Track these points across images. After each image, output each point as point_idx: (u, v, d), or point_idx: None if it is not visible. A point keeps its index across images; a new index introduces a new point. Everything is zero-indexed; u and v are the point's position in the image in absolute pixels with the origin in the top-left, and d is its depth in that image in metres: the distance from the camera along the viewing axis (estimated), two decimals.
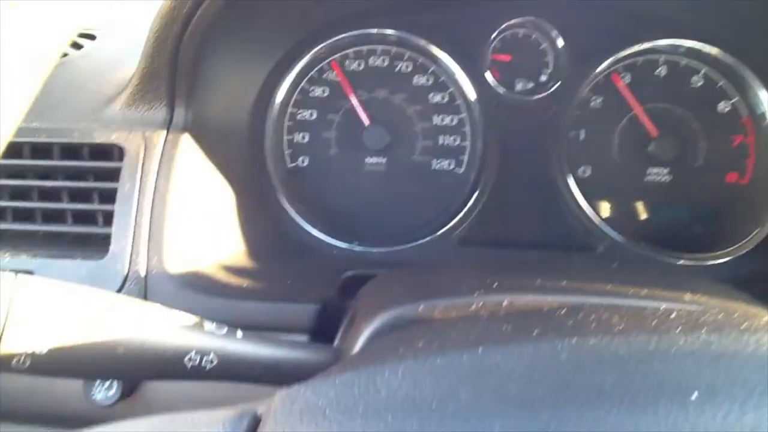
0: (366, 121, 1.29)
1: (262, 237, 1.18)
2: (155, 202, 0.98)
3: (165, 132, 1.04)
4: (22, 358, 0.61)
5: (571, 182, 1.27)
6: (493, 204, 1.26)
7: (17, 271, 0.62)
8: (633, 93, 1.28)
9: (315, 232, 1.26)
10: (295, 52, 1.27)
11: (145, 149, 1.02)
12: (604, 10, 1.27)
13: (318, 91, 1.30)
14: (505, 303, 0.69)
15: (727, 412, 0.36)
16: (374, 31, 1.28)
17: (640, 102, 1.28)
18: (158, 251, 0.96)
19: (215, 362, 0.68)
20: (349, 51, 1.30)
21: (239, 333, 0.71)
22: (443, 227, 1.26)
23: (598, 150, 1.29)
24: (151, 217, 0.97)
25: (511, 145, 1.28)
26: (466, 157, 1.30)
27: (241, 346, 0.70)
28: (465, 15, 1.28)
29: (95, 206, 1.02)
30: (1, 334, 0.59)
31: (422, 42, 1.28)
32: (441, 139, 1.30)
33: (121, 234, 0.97)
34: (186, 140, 1.04)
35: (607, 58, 1.28)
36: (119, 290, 0.95)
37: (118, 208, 0.99)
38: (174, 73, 1.03)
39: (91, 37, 1.31)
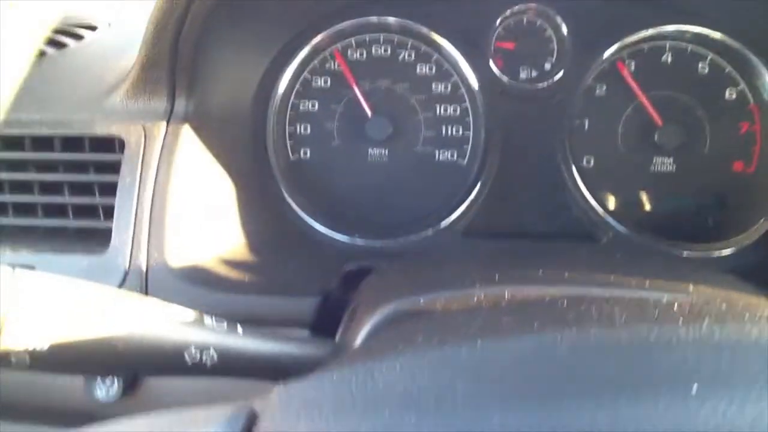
0: (368, 111, 1.28)
1: (264, 229, 1.17)
2: (156, 195, 0.98)
3: (165, 123, 1.03)
4: (23, 354, 0.61)
5: (575, 172, 1.26)
6: (497, 195, 1.26)
7: (16, 266, 0.62)
8: (638, 81, 1.26)
9: (317, 225, 1.25)
10: (296, 41, 1.26)
11: (146, 141, 1.01)
12: None
13: (320, 82, 1.29)
14: (506, 295, 0.68)
15: (728, 403, 0.36)
16: (376, 19, 1.27)
17: (645, 90, 1.26)
18: (159, 245, 0.96)
19: (215, 358, 0.68)
20: (351, 40, 1.29)
21: (239, 328, 0.71)
22: (446, 219, 1.25)
23: (603, 139, 1.28)
24: (151, 211, 0.97)
25: (514, 134, 1.27)
26: (469, 148, 1.29)
27: (241, 341, 0.70)
28: (468, 2, 1.27)
29: (96, 200, 1.02)
30: (1, 331, 0.59)
31: (425, 30, 1.27)
32: (444, 130, 1.29)
33: (121, 228, 0.97)
34: (187, 132, 1.04)
35: (612, 45, 1.26)
36: (120, 284, 0.95)
37: (118, 201, 0.99)
38: (174, 63, 1.02)
39: (92, 28, 1.30)
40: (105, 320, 0.64)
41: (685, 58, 1.27)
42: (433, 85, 1.29)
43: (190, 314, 0.69)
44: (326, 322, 0.88)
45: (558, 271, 0.75)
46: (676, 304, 0.57)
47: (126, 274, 0.96)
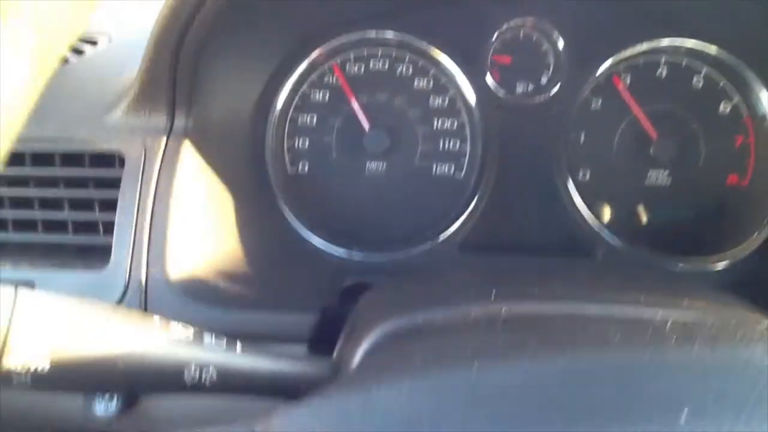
0: (366, 125, 1.28)
1: (262, 243, 1.18)
2: (155, 211, 0.99)
3: (165, 139, 1.04)
4: (24, 374, 0.61)
5: (571, 186, 1.27)
6: (494, 208, 1.27)
7: (17, 285, 0.63)
8: (633, 94, 1.28)
9: (314, 238, 1.26)
10: (295, 55, 1.27)
11: (146, 156, 1.02)
12: (605, 10, 1.27)
13: (318, 95, 1.30)
14: (502, 313, 0.69)
15: (717, 429, 0.36)
16: (374, 33, 1.28)
17: (641, 104, 1.27)
18: (158, 260, 0.96)
19: (214, 376, 0.69)
20: (350, 54, 1.30)
21: (238, 346, 0.71)
22: (443, 233, 1.26)
23: (599, 152, 1.29)
24: (151, 227, 0.98)
25: (511, 148, 1.28)
26: (466, 161, 1.30)
27: (240, 359, 0.71)
28: (465, 16, 1.28)
29: (96, 215, 1.03)
30: (2, 350, 0.60)
31: (422, 44, 1.28)
32: (441, 143, 1.30)
33: (121, 244, 0.98)
34: (186, 147, 1.05)
35: (608, 59, 1.27)
36: (120, 300, 0.96)
37: (118, 217, 0.99)
38: (174, 79, 1.03)
39: (92, 43, 1.31)
40: (105, 339, 0.65)
41: (680, 72, 1.28)
42: (431, 99, 1.30)
43: (190, 332, 0.70)
44: (324, 338, 0.89)
45: (553, 289, 0.76)
46: (668, 324, 0.58)
47: (126, 289, 0.96)
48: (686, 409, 0.39)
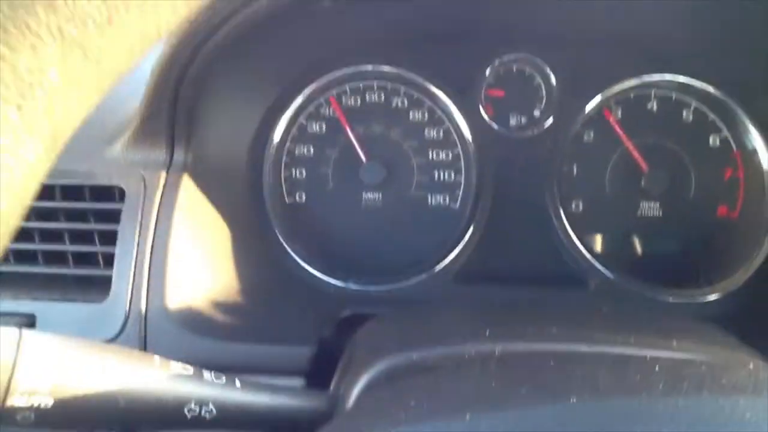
0: (363, 156, 1.31)
1: (260, 275, 1.20)
2: (155, 244, 1.00)
3: (165, 173, 1.06)
4: (28, 411, 0.63)
5: (564, 217, 1.29)
6: (488, 239, 1.29)
7: (20, 321, 0.64)
8: (624, 128, 1.30)
9: (311, 269, 1.28)
10: (292, 89, 1.30)
11: (145, 190, 1.04)
12: (595, 47, 1.30)
13: (315, 127, 1.33)
14: (496, 354, 0.71)
15: None
16: (369, 67, 1.31)
17: (632, 136, 1.30)
18: (158, 293, 0.98)
19: (214, 412, 0.70)
20: (346, 87, 1.32)
21: (237, 382, 0.73)
22: (439, 263, 1.28)
23: (591, 184, 1.31)
24: (151, 259, 0.99)
25: (505, 179, 1.30)
26: (461, 192, 1.32)
27: (239, 395, 0.72)
28: (459, 51, 1.31)
29: (96, 248, 1.04)
30: (7, 390, 0.61)
31: (417, 78, 1.31)
32: (437, 174, 1.32)
33: (121, 276, 0.99)
34: (185, 181, 1.07)
35: (599, 93, 1.30)
36: (119, 332, 0.97)
37: (118, 249, 1.01)
38: (173, 116, 1.05)
39: None
40: (107, 378, 0.66)
41: (670, 105, 1.31)
42: (426, 131, 1.32)
43: (189, 369, 0.71)
44: (321, 371, 0.91)
45: (546, 327, 0.77)
46: (657, 365, 0.60)
47: (125, 321, 0.98)
48: None
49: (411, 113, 1.33)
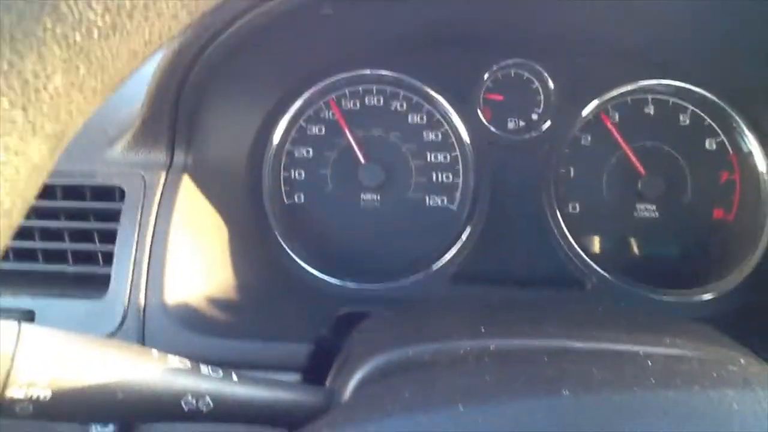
0: (362, 158, 1.32)
1: (259, 275, 1.20)
2: (154, 243, 1.01)
3: (165, 174, 1.07)
4: (26, 402, 0.63)
5: (561, 219, 1.30)
6: (485, 240, 1.29)
7: (19, 316, 0.65)
8: (621, 132, 1.32)
9: (309, 268, 1.29)
10: (292, 93, 1.31)
11: (145, 191, 1.05)
12: (593, 53, 1.31)
13: (315, 130, 1.34)
14: (491, 348, 0.71)
15: None
16: (369, 71, 1.32)
17: (629, 140, 1.31)
18: (156, 291, 0.99)
19: (211, 405, 0.71)
20: (345, 90, 1.34)
21: (234, 376, 0.73)
22: (436, 264, 1.29)
23: (588, 187, 1.32)
24: (149, 258, 1.00)
25: (502, 182, 1.31)
26: (458, 194, 1.33)
27: (236, 388, 0.72)
28: (458, 56, 1.32)
29: (96, 246, 1.05)
30: (6, 382, 0.62)
31: (416, 82, 1.32)
32: (435, 176, 1.33)
33: (120, 274, 1.00)
34: (185, 182, 1.07)
35: (597, 98, 1.31)
36: (117, 329, 0.97)
37: (118, 248, 1.02)
38: (175, 118, 1.06)
39: None
40: (105, 370, 0.67)
41: (667, 110, 1.32)
42: (424, 134, 1.34)
43: (187, 363, 0.72)
44: (318, 367, 0.91)
45: (542, 324, 0.78)
46: (650, 361, 0.61)
47: (123, 318, 0.98)
48: None
49: (410, 116, 1.34)
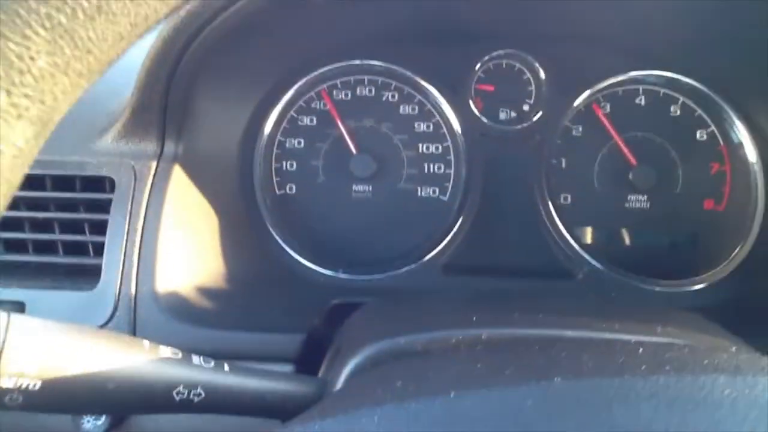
0: (353, 149, 1.31)
1: (250, 266, 1.20)
2: (145, 234, 1.01)
3: (155, 164, 1.06)
4: (15, 394, 0.63)
5: (552, 210, 1.30)
6: (477, 231, 1.30)
7: (9, 308, 0.65)
8: (613, 122, 1.32)
9: (302, 260, 1.28)
10: (283, 83, 1.30)
11: (135, 181, 1.04)
12: (584, 43, 1.31)
13: (306, 120, 1.33)
14: (483, 337, 0.72)
15: None
16: (360, 62, 1.32)
17: (620, 131, 1.31)
18: (147, 282, 0.98)
19: (203, 395, 0.70)
20: (337, 81, 1.33)
21: (226, 366, 0.73)
22: (428, 254, 1.29)
23: (579, 178, 1.32)
24: (140, 249, 1.00)
25: (494, 172, 1.31)
26: (450, 185, 1.33)
27: (227, 379, 0.72)
28: (449, 47, 1.32)
29: (86, 237, 1.05)
30: None
31: (407, 73, 1.32)
32: (426, 167, 1.33)
33: (111, 265, 1.00)
34: (176, 172, 1.07)
35: (588, 88, 1.32)
36: (109, 320, 0.97)
37: (108, 239, 1.01)
38: (165, 108, 1.05)
39: None
40: (96, 361, 0.67)
41: (658, 100, 1.32)
42: (416, 125, 1.33)
43: (178, 354, 0.72)
44: (311, 358, 0.91)
45: (533, 313, 0.78)
46: (641, 349, 0.61)
47: (114, 309, 0.98)
48: None
49: (401, 107, 1.34)
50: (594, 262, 1.27)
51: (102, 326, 0.97)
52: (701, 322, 0.84)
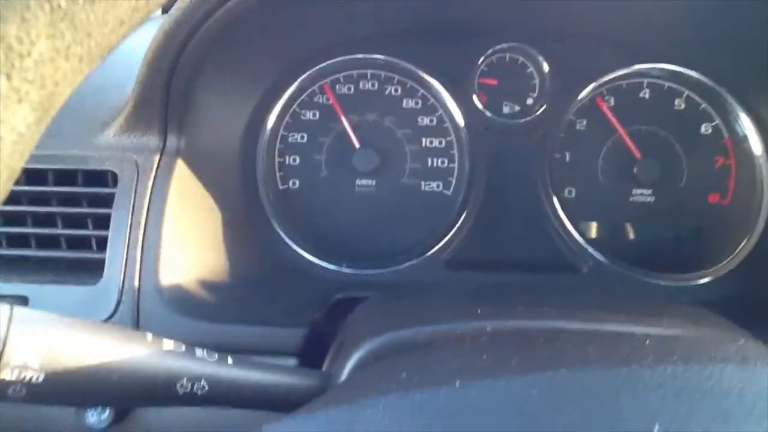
0: (356, 143, 1.31)
1: (253, 259, 1.20)
2: (148, 228, 1.00)
3: (158, 158, 1.06)
4: (18, 387, 0.63)
5: (557, 204, 1.29)
6: (481, 225, 1.29)
7: (12, 302, 0.64)
8: (617, 116, 1.31)
9: (305, 254, 1.28)
10: (286, 77, 1.30)
11: (138, 175, 1.04)
12: (588, 37, 1.30)
13: (309, 115, 1.33)
14: (488, 329, 0.71)
15: None
16: (363, 56, 1.31)
17: (624, 124, 1.31)
18: (150, 276, 0.98)
19: (206, 388, 0.70)
20: (340, 75, 1.33)
21: (229, 359, 0.73)
22: (431, 249, 1.28)
23: (583, 172, 1.32)
24: (143, 243, 0.99)
25: (498, 167, 1.31)
26: (454, 179, 1.32)
27: (231, 372, 0.72)
28: (452, 40, 1.31)
29: (89, 232, 1.04)
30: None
31: (411, 67, 1.31)
32: (429, 161, 1.33)
33: (114, 259, 0.99)
34: (178, 166, 1.06)
35: (592, 82, 1.31)
36: (112, 314, 0.97)
37: (111, 233, 1.01)
38: (167, 101, 1.05)
39: None
40: (99, 353, 0.66)
41: (662, 94, 1.32)
42: (419, 119, 1.33)
43: (182, 346, 0.72)
44: (314, 352, 0.91)
45: (537, 306, 0.78)
46: (647, 341, 0.61)
47: (118, 304, 0.98)
48: (656, 426, 0.41)
49: (404, 101, 1.33)
50: (598, 256, 1.27)
51: (105, 320, 0.97)
52: (707, 315, 0.83)
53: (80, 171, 1.06)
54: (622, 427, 0.40)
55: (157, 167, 1.04)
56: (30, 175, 1.07)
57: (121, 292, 0.97)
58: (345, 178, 1.32)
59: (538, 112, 1.31)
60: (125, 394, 0.69)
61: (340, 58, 1.31)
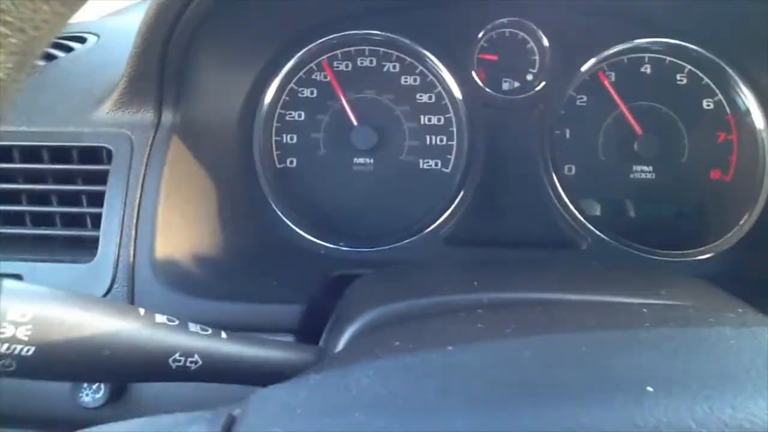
0: (354, 121, 1.30)
1: (250, 237, 1.19)
2: (142, 205, 0.99)
3: (152, 134, 1.05)
4: (8, 361, 0.62)
5: (556, 181, 1.28)
6: (480, 203, 1.28)
7: (3, 276, 0.64)
8: (618, 91, 1.29)
9: (302, 232, 1.27)
10: (283, 53, 1.29)
11: (133, 152, 1.03)
12: (588, 10, 1.28)
13: (306, 92, 1.31)
14: (483, 302, 0.70)
15: (678, 404, 0.37)
16: (361, 32, 1.30)
17: (625, 100, 1.29)
18: (145, 254, 0.97)
19: (200, 363, 0.69)
20: (337, 52, 1.31)
21: (223, 334, 0.72)
22: (430, 226, 1.27)
23: (584, 148, 1.30)
24: (138, 220, 0.99)
25: (497, 144, 1.29)
26: (452, 157, 1.31)
27: (225, 346, 0.71)
28: (451, 15, 1.30)
29: (84, 209, 1.03)
30: None
31: (409, 43, 1.29)
32: (428, 139, 1.31)
33: (109, 236, 0.98)
34: (174, 142, 1.05)
35: (593, 57, 1.29)
36: (107, 292, 0.96)
37: (106, 210, 1.00)
38: (162, 75, 1.03)
39: (81, 40, 1.32)
40: (90, 327, 0.66)
41: (664, 69, 1.30)
42: (418, 96, 1.31)
43: (175, 321, 0.71)
44: (311, 329, 0.90)
45: (535, 278, 0.77)
46: (645, 309, 0.60)
47: (113, 281, 0.97)
48: (650, 387, 0.40)
49: (403, 78, 1.32)
50: (599, 233, 1.25)
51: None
52: (707, 287, 0.83)
53: (75, 148, 1.05)
54: (615, 387, 0.39)
55: (152, 143, 1.03)
56: (25, 153, 1.06)
57: (116, 269, 0.97)
58: (343, 156, 1.31)
59: (538, 88, 1.30)
60: (117, 368, 0.68)
61: (338, 35, 1.29)
